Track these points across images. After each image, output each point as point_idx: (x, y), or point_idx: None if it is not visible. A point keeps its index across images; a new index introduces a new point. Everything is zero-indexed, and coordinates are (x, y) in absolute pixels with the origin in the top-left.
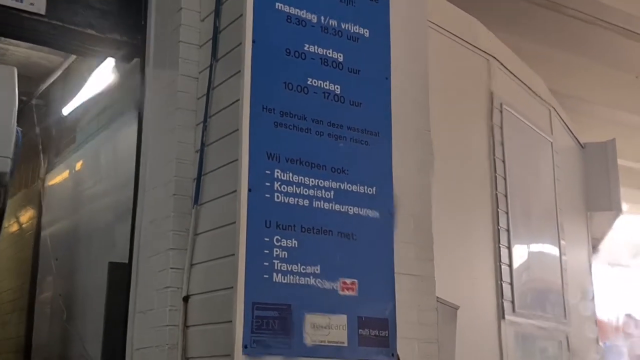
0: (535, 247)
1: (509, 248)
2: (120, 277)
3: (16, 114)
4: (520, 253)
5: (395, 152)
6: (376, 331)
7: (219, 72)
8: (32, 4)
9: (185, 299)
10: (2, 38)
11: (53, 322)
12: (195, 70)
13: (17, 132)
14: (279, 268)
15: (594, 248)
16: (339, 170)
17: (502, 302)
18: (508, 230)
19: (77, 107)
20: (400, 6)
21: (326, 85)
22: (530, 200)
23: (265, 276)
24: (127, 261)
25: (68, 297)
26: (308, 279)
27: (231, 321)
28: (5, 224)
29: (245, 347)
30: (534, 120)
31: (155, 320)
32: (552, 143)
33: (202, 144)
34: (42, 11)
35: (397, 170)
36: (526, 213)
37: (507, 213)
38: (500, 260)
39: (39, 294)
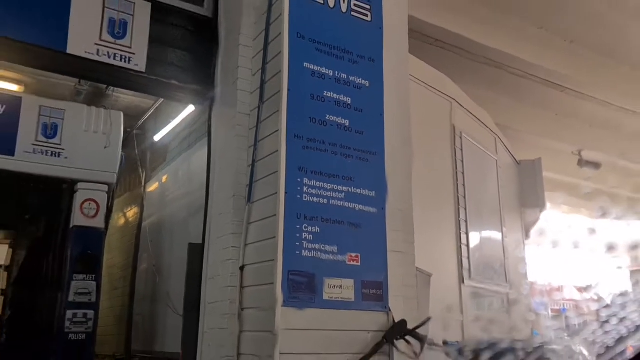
0: (485, 233)
1: (467, 234)
2: (196, 253)
3: (121, 144)
4: (474, 237)
5: (387, 166)
6: (374, 290)
7: (264, 111)
8: (136, 64)
9: (242, 268)
10: (116, 89)
11: (148, 284)
12: (248, 109)
13: (122, 156)
14: (306, 247)
15: (527, 233)
16: (347, 179)
17: (462, 272)
18: (466, 221)
19: (165, 136)
20: (390, 65)
21: (339, 119)
22: (482, 200)
23: (296, 252)
24: (201, 242)
25: (159, 267)
26: (326, 254)
27: (273, 283)
28: (114, 217)
29: (284, 301)
30: (484, 144)
31: (221, 283)
32: (497, 161)
33: (253, 161)
34: (143, 69)
35: (389, 178)
36: (478, 209)
37: (465, 209)
38: (460, 242)
39: (139, 266)
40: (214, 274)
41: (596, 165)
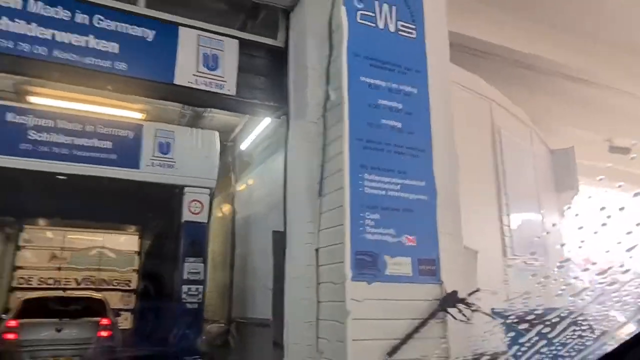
0: (524, 215)
1: (508, 215)
2: (279, 239)
3: (218, 155)
4: (515, 218)
5: (434, 160)
6: (428, 266)
7: (329, 119)
8: (228, 90)
9: (317, 250)
10: (211, 110)
11: (242, 265)
12: (316, 119)
13: (217, 168)
14: (369, 231)
15: (562, 214)
16: (401, 172)
17: (505, 248)
18: (507, 205)
19: (251, 146)
20: (434, 74)
21: (392, 123)
22: (520, 186)
23: (361, 236)
24: (283, 230)
25: (250, 251)
26: (386, 236)
27: (342, 262)
28: (214, 212)
29: (352, 276)
30: (521, 137)
31: (300, 262)
32: (532, 151)
33: (323, 161)
34: (234, 93)
35: (436, 171)
36: (518, 194)
37: (506, 194)
38: (502, 223)
39: (235, 250)
40: (294, 255)
41: (625, 150)
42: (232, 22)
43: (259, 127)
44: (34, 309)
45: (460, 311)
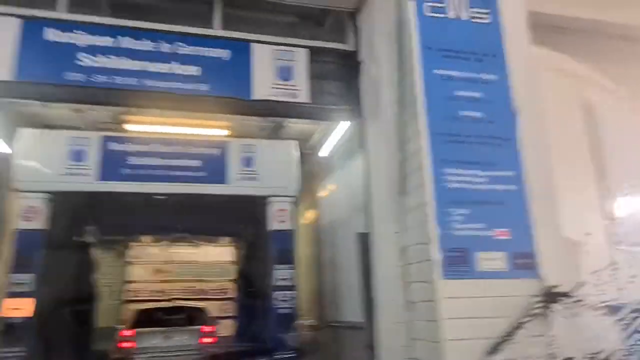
0: (631, 198)
1: (614, 200)
2: (364, 240)
3: (299, 164)
4: (621, 203)
5: (522, 147)
6: (525, 260)
7: (405, 116)
8: (303, 98)
9: (404, 249)
10: (289, 120)
11: (330, 269)
12: (392, 118)
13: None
14: (457, 227)
15: None
16: (487, 164)
17: (611, 237)
18: (611, 189)
19: (329, 151)
20: (513, 58)
21: (472, 114)
22: (624, 168)
23: (448, 232)
24: (366, 231)
25: (336, 255)
26: (476, 231)
27: (431, 260)
28: (299, 219)
29: (442, 274)
30: (619, 115)
31: (387, 262)
32: (632, 127)
33: (402, 159)
34: (308, 100)
35: (525, 158)
36: (621, 176)
37: (608, 178)
38: (607, 209)
39: (322, 255)
40: (381, 256)
41: None
42: (302, 32)
43: (336, 131)
44: (145, 319)
45: (563, 306)
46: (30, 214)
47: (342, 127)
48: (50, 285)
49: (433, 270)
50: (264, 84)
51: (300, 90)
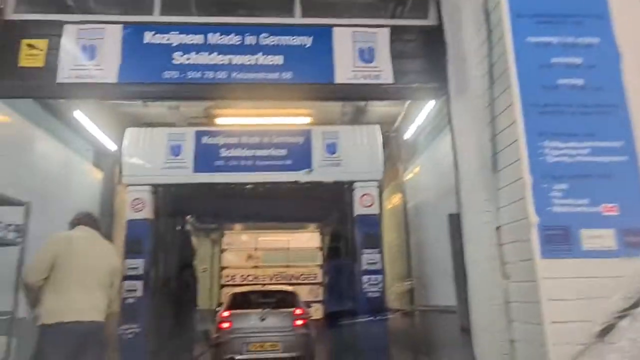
0: None
1: None
2: (455, 221)
3: (382, 148)
4: None
5: (633, 114)
6: (637, 237)
7: (496, 89)
8: (385, 79)
9: (497, 228)
10: (371, 104)
11: (419, 253)
12: (481, 92)
13: (383, 161)
14: (556, 203)
15: None
16: (589, 134)
17: None
18: None
19: (414, 133)
20: (619, 16)
21: (572, 81)
22: None
23: (547, 209)
24: (458, 212)
25: (426, 239)
26: (579, 207)
27: (529, 239)
28: (385, 203)
29: (541, 253)
30: None
31: (481, 243)
32: None
33: (493, 135)
34: (391, 81)
35: (636, 126)
36: None
37: None
38: None
39: (410, 239)
40: (473, 236)
41: None
42: (382, 11)
43: (421, 112)
44: (240, 301)
45: None
46: (137, 205)
47: (426, 107)
48: (157, 269)
49: (531, 249)
50: (346, 68)
51: (383, 71)
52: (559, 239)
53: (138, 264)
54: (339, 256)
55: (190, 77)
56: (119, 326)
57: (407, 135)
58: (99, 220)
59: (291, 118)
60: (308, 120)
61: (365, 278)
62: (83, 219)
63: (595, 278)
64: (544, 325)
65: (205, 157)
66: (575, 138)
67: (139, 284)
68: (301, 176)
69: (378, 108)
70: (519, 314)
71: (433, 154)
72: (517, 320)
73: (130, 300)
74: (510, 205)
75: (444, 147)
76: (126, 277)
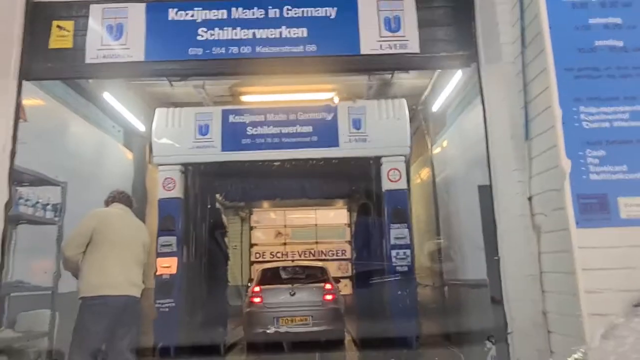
0: None
1: None
2: (486, 193)
3: (408, 122)
4: None
5: None
6: None
7: (528, 54)
8: (412, 48)
9: (530, 199)
10: (397, 76)
11: (448, 227)
12: (512, 58)
13: (410, 135)
14: (592, 170)
15: None
16: (630, 98)
17: None
18: None
19: (442, 105)
20: None
21: (610, 42)
22: None
23: (583, 177)
24: (488, 184)
25: (455, 212)
26: (617, 174)
27: (564, 208)
28: (413, 178)
29: (577, 223)
30: None
31: (512, 214)
32: None
33: (525, 103)
34: (418, 51)
35: None
36: None
37: None
38: None
39: (439, 213)
40: (504, 207)
41: None
42: None
43: (449, 83)
44: (270, 277)
45: None
46: (168, 184)
47: (454, 78)
48: (190, 246)
49: (566, 219)
50: (371, 38)
51: (409, 40)
52: (596, 208)
53: (171, 242)
54: (368, 214)
55: (215, 53)
56: (154, 301)
57: (435, 107)
58: (132, 198)
59: (316, 93)
60: (333, 95)
61: (393, 252)
62: (118, 197)
63: (634, 247)
64: (579, 295)
65: (233, 136)
66: (613, 102)
67: (172, 261)
68: (328, 152)
69: (404, 80)
70: (552, 285)
71: (462, 126)
72: (550, 291)
73: (165, 276)
74: (543, 174)
75: (473, 118)
76: (160, 254)
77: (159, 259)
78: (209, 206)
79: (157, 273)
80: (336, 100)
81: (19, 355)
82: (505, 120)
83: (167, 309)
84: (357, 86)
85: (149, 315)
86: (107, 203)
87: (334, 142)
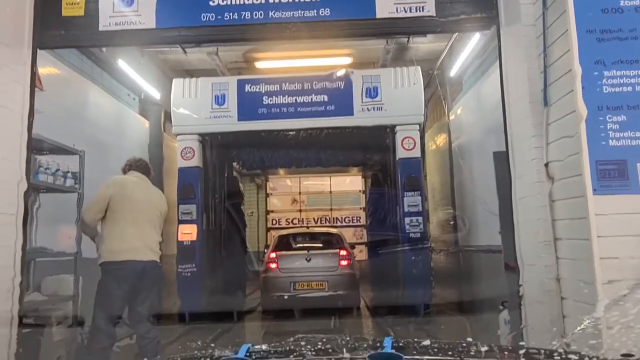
0: None
1: None
2: (502, 159)
3: (423, 91)
4: None
5: None
6: None
7: (549, 16)
8: (428, 11)
9: (546, 165)
10: (414, 41)
11: (463, 193)
12: (533, 20)
13: (425, 101)
14: (612, 136)
15: None
16: None
17: None
18: None
19: (460, 70)
20: None
21: (637, 2)
22: None
23: (602, 142)
24: (505, 150)
25: (470, 179)
26: (638, 140)
27: (581, 174)
28: (428, 144)
29: (594, 190)
30: None
31: (528, 180)
32: None
33: (545, 67)
34: (434, 14)
35: None
36: None
37: None
38: None
39: (454, 179)
40: (520, 173)
41: None
42: None
43: (466, 46)
44: (287, 243)
45: None
46: (187, 154)
47: (472, 42)
48: (209, 214)
49: (584, 185)
50: (387, 1)
51: (426, 2)
52: (615, 174)
53: (191, 209)
54: (382, 182)
55: (227, 18)
56: (176, 266)
57: (452, 72)
58: (150, 166)
59: (331, 59)
60: (349, 61)
61: (407, 220)
62: (135, 165)
63: None
64: (594, 262)
65: (249, 105)
66: (637, 65)
67: (192, 228)
68: (342, 121)
69: (421, 45)
70: (567, 252)
71: (479, 91)
72: (564, 258)
73: (186, 243)
74: (561, 140)
75: (490, 83)
76: (181, 222)
77: (180, 226)
78: (226, 175)
79: (179, 239)
80: (350, 71)
81: (46, 318)
82: (524, 85)
83: (189, 274)
84: (372, 51)
85: (172, 279)
86: (125, 171)
87: (348, 111)
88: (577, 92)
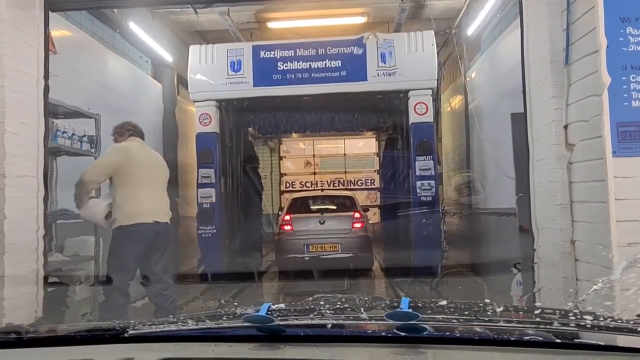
0: None
1: None
2: (519, 121)
3: (436, 55)
4: None
5: None
6: None
7: None
8: None
9: (565, 127)
10: None
11: (479, 156)
12: None
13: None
14: (636, 97)
15: None
16: None
17: None
18: None
19: (478, 28)
20: None
21: None
22: None
23: (625, 104)
24: (522, 111)
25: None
26: None
27: (601, 136)
28: (444, 107)
29: (614, 152)
30: None
31: (546, 142)
32: None
33: (567, 24)
34: None
35: None
36: None
37: None
38: None
39: (470, 142)
40: (538, 136)
41: None
42: None
43: (485, 4)
44: (300, 206)
45: None
46: (205, 119)
47: (492, 1)
48: (226, 178)
49: (603, 147)
50: None
51: None
52: (636, 136)
53: (209, 174)
54: (395, 147)
55: None
56: (197, 227)
57: (470, 31)
58: (143, 131)
59: (346, 18)
60: (363, 19)
61: (418, 183)
62: (134, 131)
63: None
64: (611, 224)
65: (264, 72)
66: None
67: (212, 191)
68: (356, 87)
69: (438, 2)
70: (583, 214)
71: (498, 51)
72: (580, 221)
73: (206, 206)
74: (582, 101)
75: (510, 42)
76: (200, 185)
77: (199, 190)
78: (242, 139)
79: (199, 202)
80: (365, 36)
81: (69, 277)
82: (545, 44)
83: (209, 235)
84: (387, 9)
85: (194, 240)
86: (123, 135)
87: (362, 76)
88: (601, 51)
